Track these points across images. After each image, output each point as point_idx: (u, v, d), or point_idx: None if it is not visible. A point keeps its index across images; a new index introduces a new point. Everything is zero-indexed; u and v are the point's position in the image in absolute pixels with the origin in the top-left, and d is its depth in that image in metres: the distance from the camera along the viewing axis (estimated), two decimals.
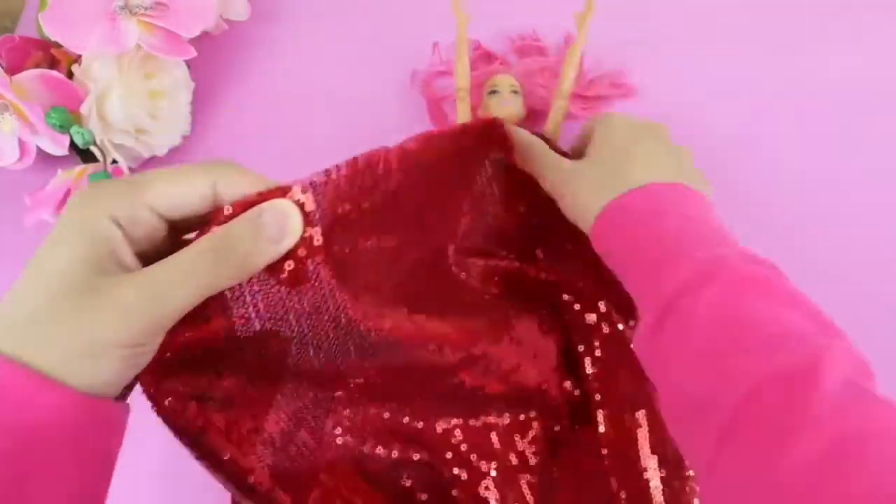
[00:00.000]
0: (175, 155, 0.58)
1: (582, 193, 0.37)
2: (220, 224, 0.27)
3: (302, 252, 0.29)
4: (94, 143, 0.52)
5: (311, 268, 0.30)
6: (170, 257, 0.26)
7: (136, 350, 0.25)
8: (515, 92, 0.52)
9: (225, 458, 0.34)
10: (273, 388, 0.36)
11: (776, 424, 0.24)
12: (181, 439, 0.31)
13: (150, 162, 0.58)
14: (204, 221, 0.27)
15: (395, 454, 0.41)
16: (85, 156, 0.54)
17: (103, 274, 0.24)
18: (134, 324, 0.24)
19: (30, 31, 0.59)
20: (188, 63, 0.57)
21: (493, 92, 0.52)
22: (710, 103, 0.54)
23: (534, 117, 0.54)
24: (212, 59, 0.61)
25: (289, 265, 0.29)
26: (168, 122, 0.56)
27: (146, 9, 0.52)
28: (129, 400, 0.29)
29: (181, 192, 0.26)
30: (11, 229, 0.55)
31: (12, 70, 0.52)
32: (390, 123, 0.57)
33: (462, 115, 0.51)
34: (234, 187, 0.27)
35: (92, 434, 0.25)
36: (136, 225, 0.26)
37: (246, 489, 0.35)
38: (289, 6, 0.65)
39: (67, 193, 0.51)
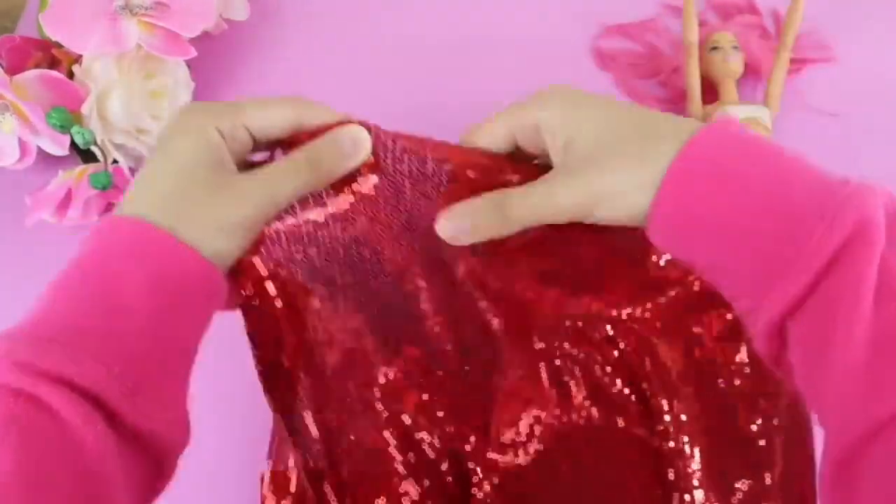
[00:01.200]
0: None
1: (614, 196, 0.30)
2: (298, 145, 0.32)
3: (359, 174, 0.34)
4: (95, 143, 0.52)
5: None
6: (275, 163, 0.32)
7: (250, 232, 0.31)
8: (736, 48, 0.55)
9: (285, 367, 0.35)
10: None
11: None
12: (252, 334, 0.34)
13: None
14: (277, 144, 0.33)
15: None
16: (86, 156, 0.54)
17: (218, 172, 0.30)
18: (251, 210, 0.30)
19: (30, 31, 0.59)
20: (188, 63, 0.57)
21: (715, 48, 0.55)
22: None
23: (749, 73, 0.56)
24: (212, 59, 0.61)
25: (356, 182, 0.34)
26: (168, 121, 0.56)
27: (146, 9, 0.52)
28: None
29: (272, 117, 0.32)
30: (11, 229, 0.55)
31: (12, 70, 0.52)
32: (390, 123, 0.57)
33: (691, 70, 0.54)
34: (315, 117, 0.33)
35: (212, 297, 0.31)
36: (233, 140, 0.32)
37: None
38: (289, 6, 0.65)
39: (68, 194, 0.51)
